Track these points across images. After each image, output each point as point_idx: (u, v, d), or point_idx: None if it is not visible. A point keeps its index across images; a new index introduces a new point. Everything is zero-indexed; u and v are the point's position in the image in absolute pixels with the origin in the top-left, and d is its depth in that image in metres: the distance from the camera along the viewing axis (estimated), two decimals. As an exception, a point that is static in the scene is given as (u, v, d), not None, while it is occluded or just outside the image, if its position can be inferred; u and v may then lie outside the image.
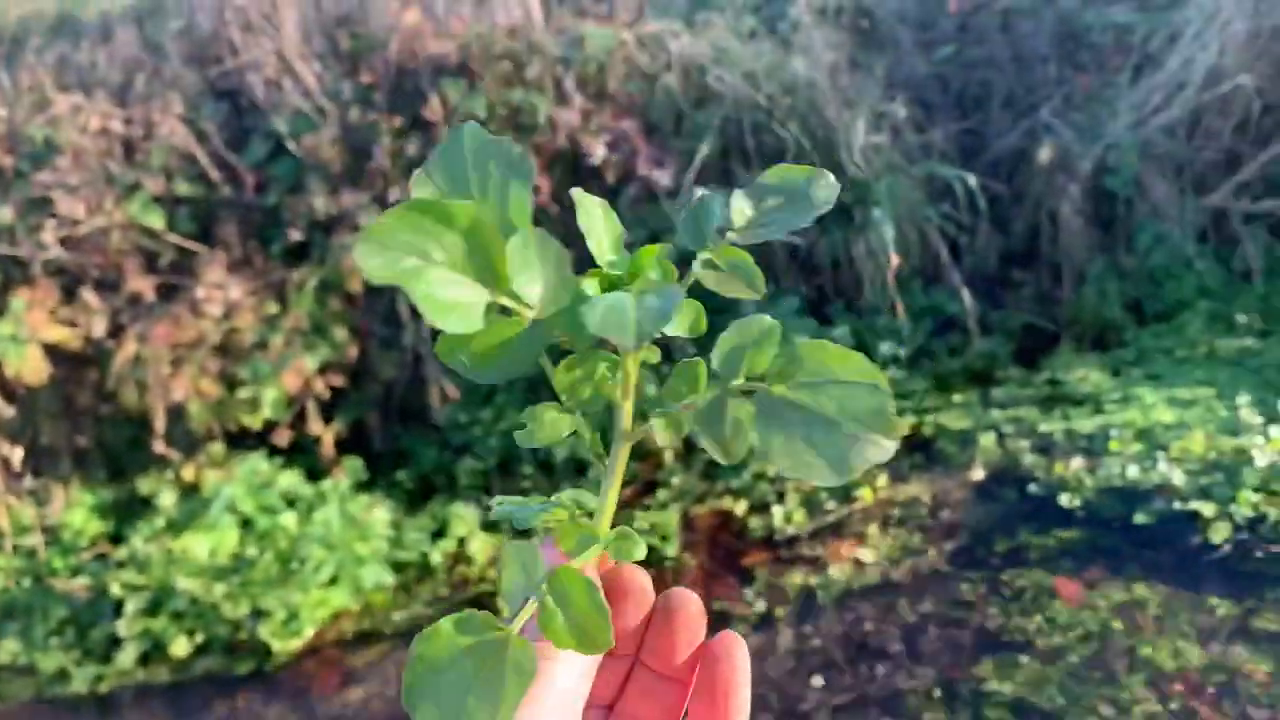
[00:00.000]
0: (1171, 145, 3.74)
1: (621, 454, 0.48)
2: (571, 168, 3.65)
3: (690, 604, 0.48)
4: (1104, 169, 3.78)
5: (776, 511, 3.14)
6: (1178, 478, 2.89)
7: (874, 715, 2.45)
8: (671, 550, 3.07)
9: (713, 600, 2.88)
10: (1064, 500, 2.94)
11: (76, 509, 3.67)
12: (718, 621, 2.82)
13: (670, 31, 3.85)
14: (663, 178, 3.44)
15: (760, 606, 2.84)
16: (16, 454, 3.63)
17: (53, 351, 3.57)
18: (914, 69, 4.16)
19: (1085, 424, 3.22)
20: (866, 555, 2.95)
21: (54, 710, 3.06)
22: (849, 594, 2.82)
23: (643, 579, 0.49)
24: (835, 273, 3.82)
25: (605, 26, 3.76)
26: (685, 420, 0.45)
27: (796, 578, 2.91)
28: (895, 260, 3.57)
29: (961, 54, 4.21)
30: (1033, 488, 3.04)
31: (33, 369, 3.47)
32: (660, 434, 0.47)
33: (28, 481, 3.74)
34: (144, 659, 3.13)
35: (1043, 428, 3.26)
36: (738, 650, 0.47)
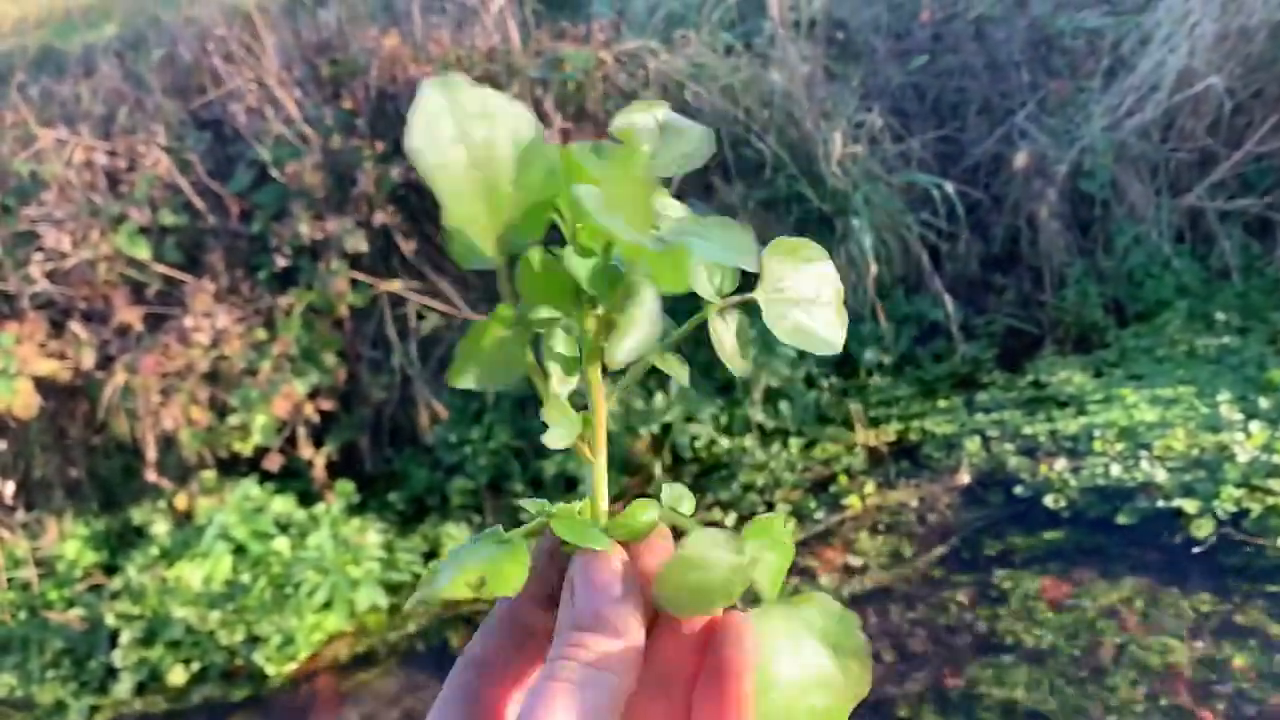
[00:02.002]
0: (1146, 147, 3.78)
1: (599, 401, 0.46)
2: (553, 187, 3.68)
3: None
4: (1080, 172, 3.82)
5: (766, 521, 3.16)
6: (1161, 476, 2.93)
7: (865, 719, 2.47)
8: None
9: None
10: (1050, 501, 2.97)
11: (70, 540, 3.69)
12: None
13: (648, 49, 3.89)
14: (644, 194, 3.47)
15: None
16: (9, 488, 3.64)
17: (43, 384, 3.58)
18: (889, 79, 4.20)
19: (1069, 425, 3.25)
20: (856, 562, 2.98)
21: (52, 742, 3.07)
22: (840, 600, 2.84)
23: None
24: (818, 283, 3.85)
25: (582, 47, 3.80)
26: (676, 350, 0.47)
27: (787, 587, 2.93)
28: (874, 267, 3.60)
29: (936, 62, 4.26)
30: (1019, 490, 3.06)
31: (23, 402, 3.48)
32: (662, 363, 0.46)
33: (20, 514, 3.76)
34: (140, 689, 3.14)
35: (1027, 430, 3.29)
36: (747, 633, 0.44)
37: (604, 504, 0.46)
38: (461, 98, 0.38)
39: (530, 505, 0.47)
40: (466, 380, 0.43)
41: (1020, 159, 3.83)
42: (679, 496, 0.47)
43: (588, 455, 0.46)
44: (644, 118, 0.46)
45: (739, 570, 0.42)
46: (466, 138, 0.38)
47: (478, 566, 0.41)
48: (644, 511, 0.45)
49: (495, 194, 0.39)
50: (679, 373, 0.47)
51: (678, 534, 0.46)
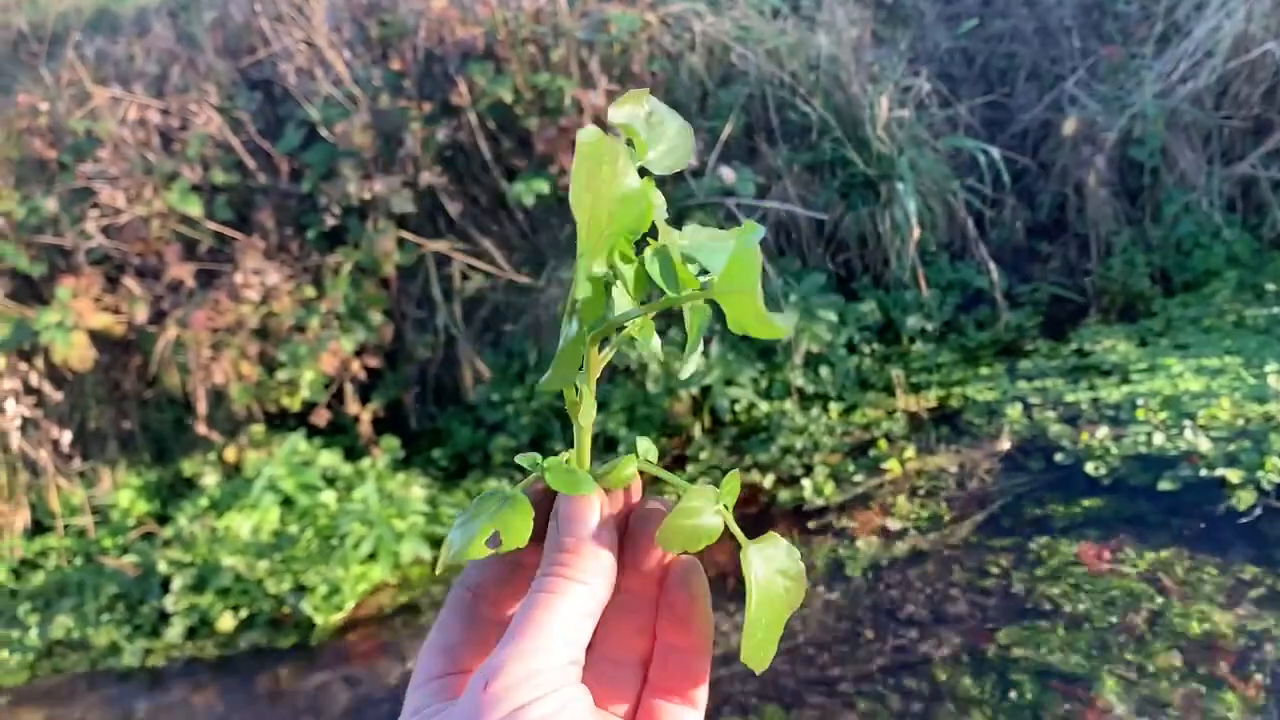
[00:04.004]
0: (1198, 114, 3.73)
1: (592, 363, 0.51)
2: (598, 149, 3.69)
3: (658, 518, 0.50)
4: (1130, 139, 3.77)
5: (805, 484, 3.19)
6: (1204, 445, 2.91)
7: (902, 681, 2.49)
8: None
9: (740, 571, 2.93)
10: (1090, 469, 2.96)
11: (124, 490, 3.79)
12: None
13: (693, 11, 3.88)
14: (688, 157, 3.47)
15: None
16: (65, 437, 3.74)
17: (98, 338, 3.67)
18: (937, 43, 4.16)
19: (1112, 393, 3.24)
20: (894, 525, 2.99)
21: (107, 683, 3.16)
22: (877, 564, 2.87)
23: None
24: (862, 248, 3.84)
25: (629, 8, 3.79)
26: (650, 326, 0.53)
27: (825, 549, 2.96)
28: (917, 232, 3.59)
29: (985, 27, 4.21)
30: (1059, 457, 3.06)
31: (79, 355, 3.57)
32: (638, 333, 0.52)
33: (77, 464, 3.86)
34: (191, 633, 3.23)
35: (1069, 398, 3.28)
36: (695, 578, 0.51)
37: (587, 459, 0.53)
38: (601, 150, 0.46)
39: (524, 460, 0.54)
40: (555, 385, 0.51)
41: (1069, 125, 3.79)
42: (647, 449, 0.53)
43: (577, 417, 0.52)
44: (635, 110, 0.52)
45: (719, 520, 0.50)
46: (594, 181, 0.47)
47: (489, 524, 0.49)
48: (628, 466, 0.52)
49: (599, 224, 0.48)
50: (653, 344, 0.54)
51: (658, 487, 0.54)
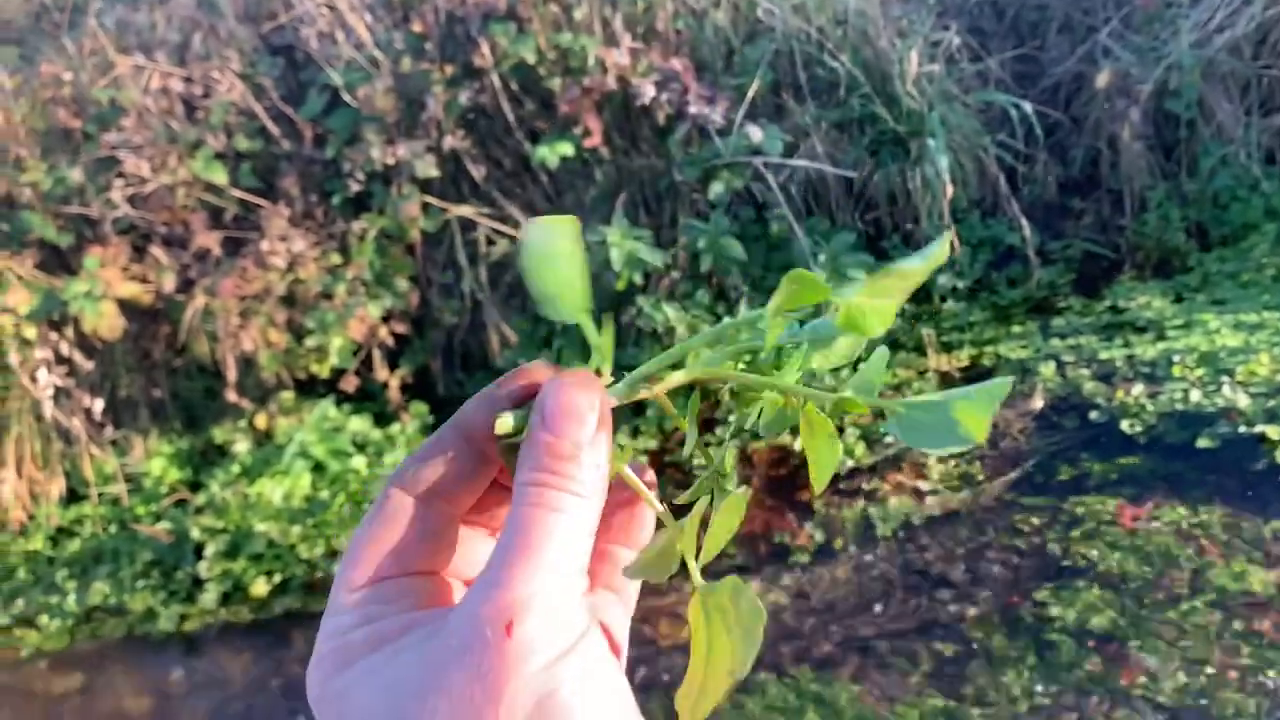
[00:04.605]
0: (1236, 64, 3.64)
1: None
2: (622, 109, 3.66)
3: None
4: (1165, 91, 3.69)
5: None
6: (1243, 401, 2.86)
7: (935, 641, 2.48)
8: (730, 486, 3.11)
9: (773, 534, 2.92)
10: (1125, 426, 2.92)
11: (156, 458, 3.81)
12: (779, 554, 2.87)
13: (718, -33, 3.82)
14: (714, 115, 3.43)
15: (820, 538, 2.87)
16: (98, 405, 3.77)
17: (126, 307, 3.68)
18: (968, -4, 4.08)
19: (1147, 350, 3.19)
20: (926, 486, 2.97)
21: (143, 648, 3.20)
22: (909, 524, 2.85)
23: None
24: (892, 206, 3.79)
25: (653, -35, 3.74)
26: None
27: (856, 510, 2.94)
28: (949, 189, 3.53)
29: (1017, -22, 4.12)
30: (1094, 415, 3.02)
31: (109, 324, 3.58)
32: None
33: (109, 432, 3.89)
34: (225, 599, 3.26)
35: (1104, 355, 3.24)
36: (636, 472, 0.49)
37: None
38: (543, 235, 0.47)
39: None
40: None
41: (1102, 78, 3.71)
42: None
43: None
44: None
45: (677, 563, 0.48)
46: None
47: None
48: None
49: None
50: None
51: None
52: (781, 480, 3.13)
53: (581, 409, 0.44)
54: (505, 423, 0.45)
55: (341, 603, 0.43)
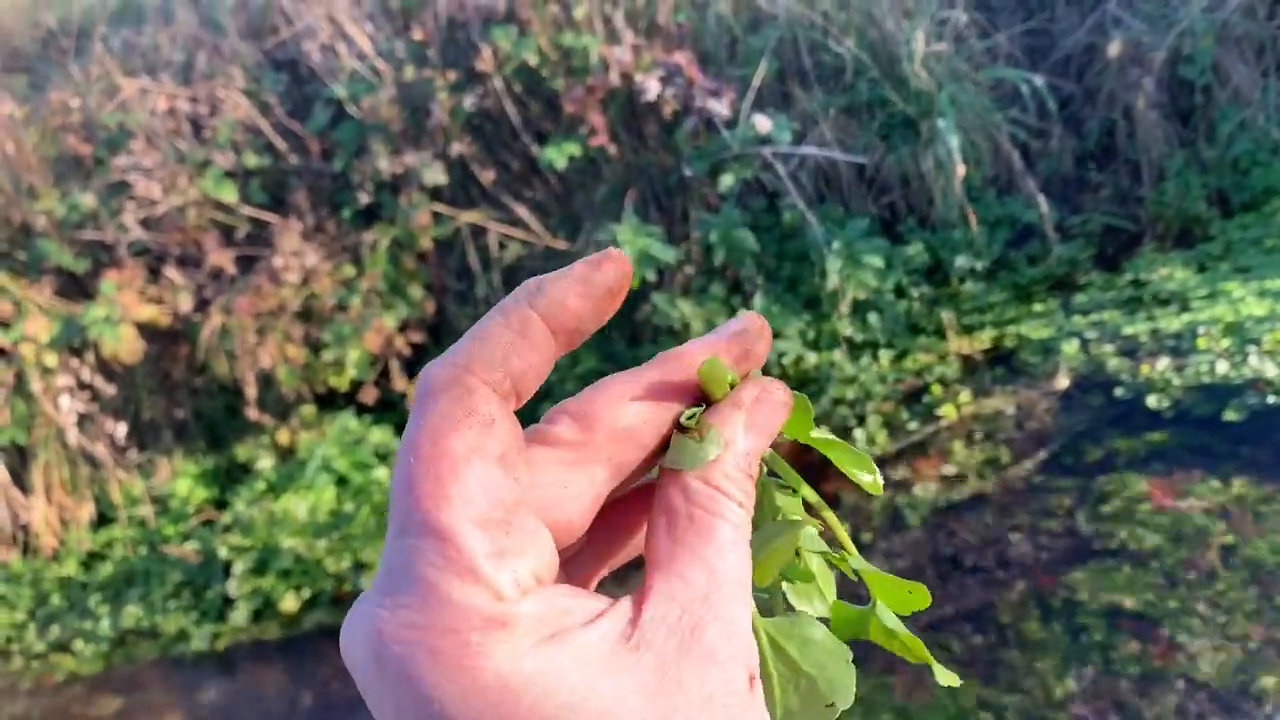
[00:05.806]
0: (1250, 25, 3.57)
1: None
2: (627, 106, 3.63)
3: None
4: (1179, 58, 3.63)
5: (858, 434, 3.13)
6: (1271, 371, 2.81)
7: (966, 627, 2.45)
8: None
9: (799, 526, 2.90)
10: (1152, 402, 2.88)
11: (181, 478, 3.83)
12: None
13: (718, -43, 3.79)
14: (720, 107, 3.40)
15: (848, 529, 2.85)
16: (121, 429, 3.79)
17: (145, 329, 3.70)
18: (973, -29, 4.02)
19: (1171, 323, 3.14)
20: (952, 471, 2.94)
21: (178, 668, 3.22)
22: (936, 510, 2.81)
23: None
24: (905, 190, 3.75)
25: (651, -41, 3.71)
26: None
27: (883, 499, 2.91)
28: (961, 169, 3.49)
29: (1022, -49, 4.06)
30: (1119, 391, 2.97)
31: (128, 348, 3.60)
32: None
33: (134, 455, 3.91)
34: (256, 616, 3.27)
35: (1127, 330, 3.19)
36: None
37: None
38: None
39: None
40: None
41: (1114, 48, 3.65)
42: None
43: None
44: None
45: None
46: None
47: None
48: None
49: None
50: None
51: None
52: (811, 467, 3.10)
53: (776, 423, 0.42)
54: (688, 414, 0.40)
55: (471, 548, 0.32)
